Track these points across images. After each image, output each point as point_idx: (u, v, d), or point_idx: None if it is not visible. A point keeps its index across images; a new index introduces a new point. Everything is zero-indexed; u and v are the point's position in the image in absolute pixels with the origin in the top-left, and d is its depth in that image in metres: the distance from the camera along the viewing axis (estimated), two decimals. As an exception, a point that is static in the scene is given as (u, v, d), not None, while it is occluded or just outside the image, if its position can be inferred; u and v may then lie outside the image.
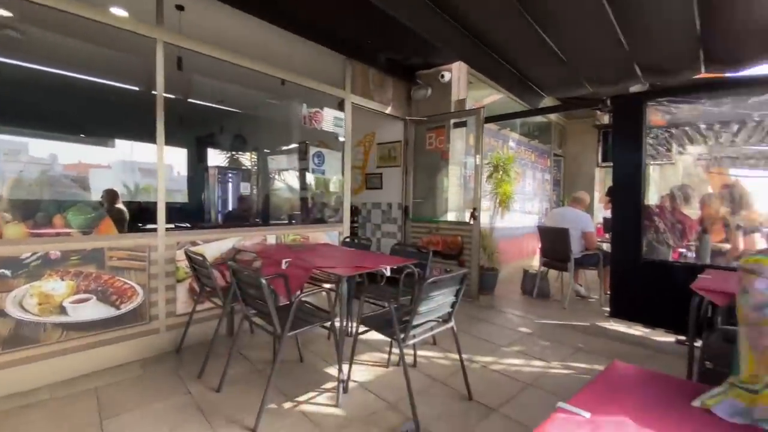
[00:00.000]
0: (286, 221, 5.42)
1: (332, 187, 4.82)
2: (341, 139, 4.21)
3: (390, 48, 4.27)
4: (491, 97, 5.61)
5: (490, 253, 4.55)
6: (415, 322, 1.87)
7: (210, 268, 2.36)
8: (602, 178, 7.39)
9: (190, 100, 5.36)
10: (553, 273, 4.62)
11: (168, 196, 2.85)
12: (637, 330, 3.31)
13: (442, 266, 4.42)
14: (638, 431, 0.70)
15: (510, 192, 4.52)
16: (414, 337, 1.94)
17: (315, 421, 1.92)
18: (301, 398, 2.13)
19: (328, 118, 3.95)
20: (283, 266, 2.31)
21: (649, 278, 3.10)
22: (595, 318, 3.64)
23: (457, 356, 2.21)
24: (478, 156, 4.15)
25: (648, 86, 3.33)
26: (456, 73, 4.63)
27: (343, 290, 2.30)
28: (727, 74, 2.97)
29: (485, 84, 5.05)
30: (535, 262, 5.94)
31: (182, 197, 7.32)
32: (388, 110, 4.70)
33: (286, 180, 6.53)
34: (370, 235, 5.39)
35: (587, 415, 0.72)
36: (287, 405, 2.06)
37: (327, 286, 3.18)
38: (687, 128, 3.55)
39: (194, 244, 2.91)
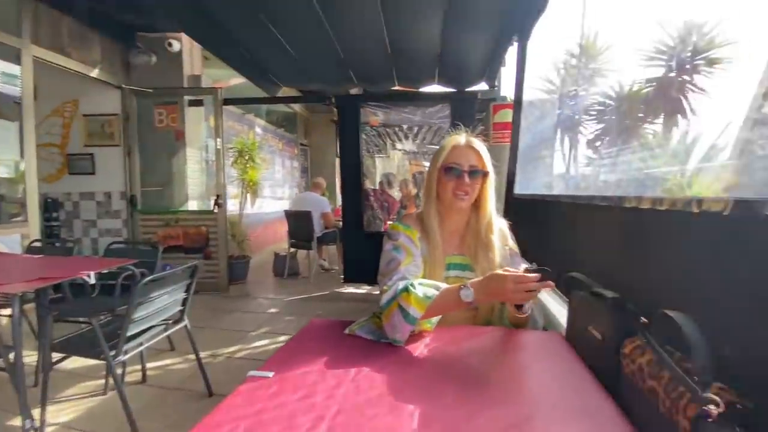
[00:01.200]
0: None
1: (5, 173, 3.38)
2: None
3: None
4: (237, 78, 5.37)
5: (240, 240, 4.44)
6: (130, 333, 1.59)
7: None
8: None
9: None
10: (302, 252, 5.02)
11: None
12: (363, 289, 4.10)
13: (184, 262, 3.97)
14: (315, 373, 0.82)
15: (257, 178, 4.53)
16: (136, 348, 1.65)
17: None
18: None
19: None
20: None
21: (369, 246, 3.82)
22: (335, 286, 4.24)
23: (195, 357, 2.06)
24: (219, 139, 3.91)
25: (362, 90, 4.06)
26: (188, 44, 4.14)
27: (16, 313, 1.66)
28: (415, 89, 3.96)
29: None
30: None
31: None
32: (95, 73, 3.70)
33: None
34: (81, 235, 4.18)
35: (270, 374, 0.80)
36: None
37: (5, 312, 2.25)
38: (389, 129, 4.58)
39: None
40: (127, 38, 3.98)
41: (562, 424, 0.64)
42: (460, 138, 1.11)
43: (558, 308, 1.29)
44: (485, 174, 1.09)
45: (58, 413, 1.88)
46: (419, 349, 0.93)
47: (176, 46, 3.97)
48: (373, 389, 0.76)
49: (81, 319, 2.44)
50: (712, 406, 0.47)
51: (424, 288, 0.93)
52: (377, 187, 4.71)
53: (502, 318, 1.08)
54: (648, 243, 0.85)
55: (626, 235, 0.99)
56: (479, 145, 1.10)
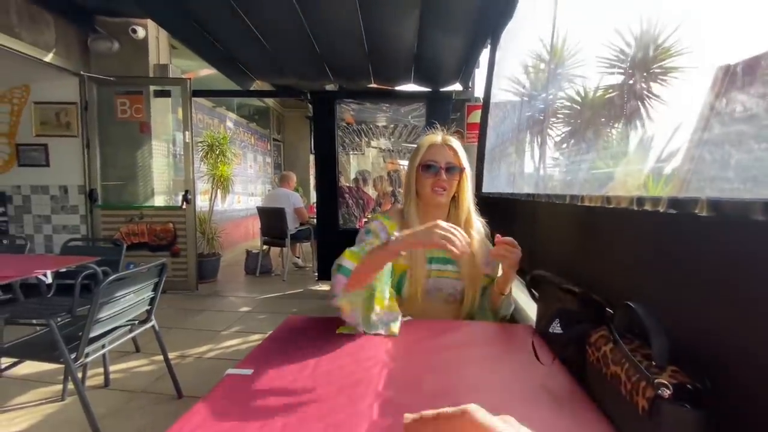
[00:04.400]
0: None
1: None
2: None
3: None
4: (207, 69, 5.17)
5: (210, 238, 4.31)
6: (93, 334, 1.51)
7: None
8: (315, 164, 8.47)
9: None
10: (276, 249, 4.93)
11: None
12: (338, 287, 4.07)
13: (150, 260, 3.81)
14: (293, 371, 0.82)
15: (228, 173, 4.40)
16: (98, 350, 1.57)
17: None
18: None
19: None
20: None
21: (344, 244, 3.82)
22: (309, 284, 4.20)
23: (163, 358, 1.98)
24: (187, 133, 3.76)
25: (338, 87, 4.02)
26: (154, 31, 3.95)
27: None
28: (391, 87, 3.96)
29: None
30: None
31: None
32: (50, 58, 3.46)
33: None
34: (33, 232, 3.91)
35: (250, 371, 0.79)
36: None
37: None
38: (365, 126, 4.59)
39: None
40: (86, 22, 3.74)
41: (530, 409, 0.67)
42: (437, 137, 1.15)
43: (527, 300, 1.34)
44: (462, 170, 1.13)
45: (10, 422, 1.77)
46: (398, 342, 0.95)
47: (141, 33, 3.78)
48: (350, 382, 0.77)
49: (35, 322, 2.30)
50: (663, 389, 0.52)
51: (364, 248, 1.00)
52: (352, 185, 4.70)
53: (483, 308, 1.13)
54: (602, 238, 0.90)
55: (582, 232, 1.05)
56: (455, 142, 1.15)
